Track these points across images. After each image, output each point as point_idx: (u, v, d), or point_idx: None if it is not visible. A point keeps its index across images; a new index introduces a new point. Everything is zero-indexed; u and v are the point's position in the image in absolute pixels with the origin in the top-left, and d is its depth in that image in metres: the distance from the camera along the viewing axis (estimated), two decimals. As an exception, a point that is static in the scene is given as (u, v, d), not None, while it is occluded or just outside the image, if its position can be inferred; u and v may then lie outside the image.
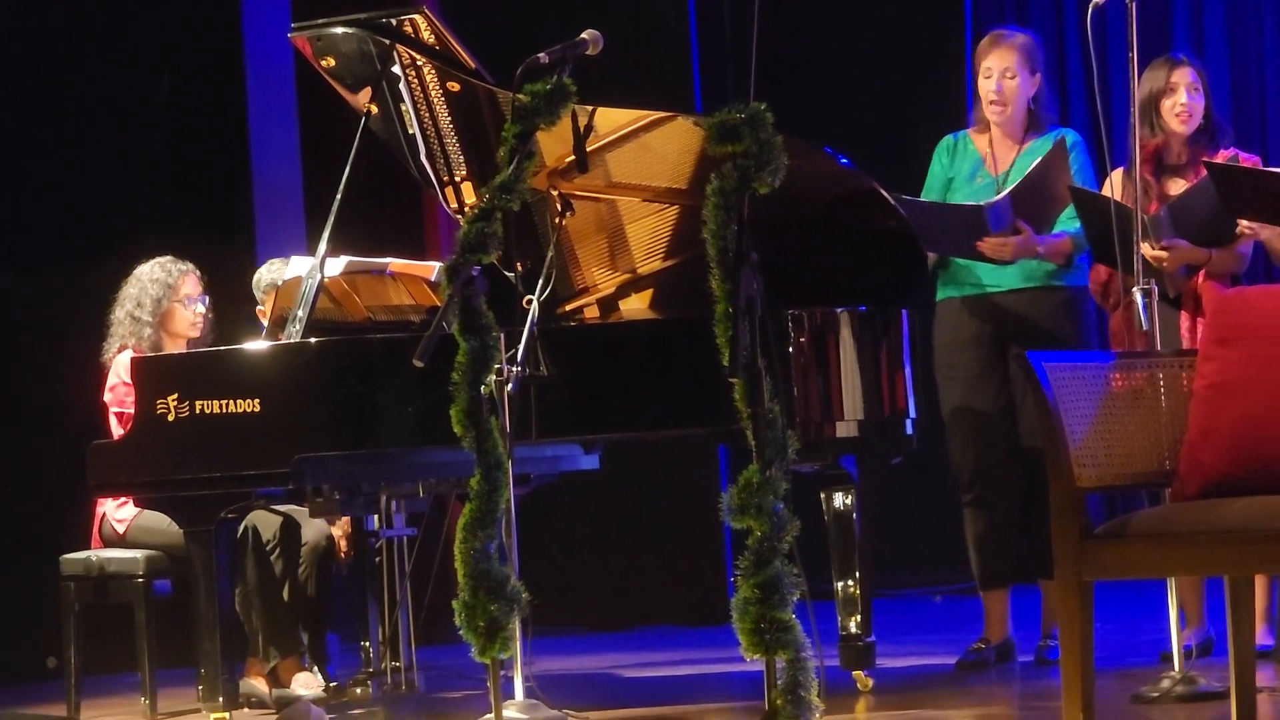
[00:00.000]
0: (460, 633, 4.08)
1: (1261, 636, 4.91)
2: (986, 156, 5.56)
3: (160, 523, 5.33)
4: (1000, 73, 5.44)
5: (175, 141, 7.55)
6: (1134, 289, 4.64)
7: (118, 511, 5.54)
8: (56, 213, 7.41)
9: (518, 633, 4.25)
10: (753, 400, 3.68)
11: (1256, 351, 3.45)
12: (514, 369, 4.34)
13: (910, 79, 7.97)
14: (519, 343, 4.42)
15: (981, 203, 5.35)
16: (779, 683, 3.59)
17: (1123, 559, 3.46)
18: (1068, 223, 5.35)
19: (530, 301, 4.60)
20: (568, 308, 5.44)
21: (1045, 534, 3.75)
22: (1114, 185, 5.02)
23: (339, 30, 5.19)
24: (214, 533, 5.11)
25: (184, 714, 5.28)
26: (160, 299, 5.61)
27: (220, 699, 4.95)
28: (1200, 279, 5.12)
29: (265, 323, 5.80)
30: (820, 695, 3.66)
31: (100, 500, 5.55)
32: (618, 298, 5.51)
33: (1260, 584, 4.94)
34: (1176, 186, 5.16)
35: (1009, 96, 5.48)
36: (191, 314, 5.65)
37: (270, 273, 6.03)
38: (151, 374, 5.09)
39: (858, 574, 5.03)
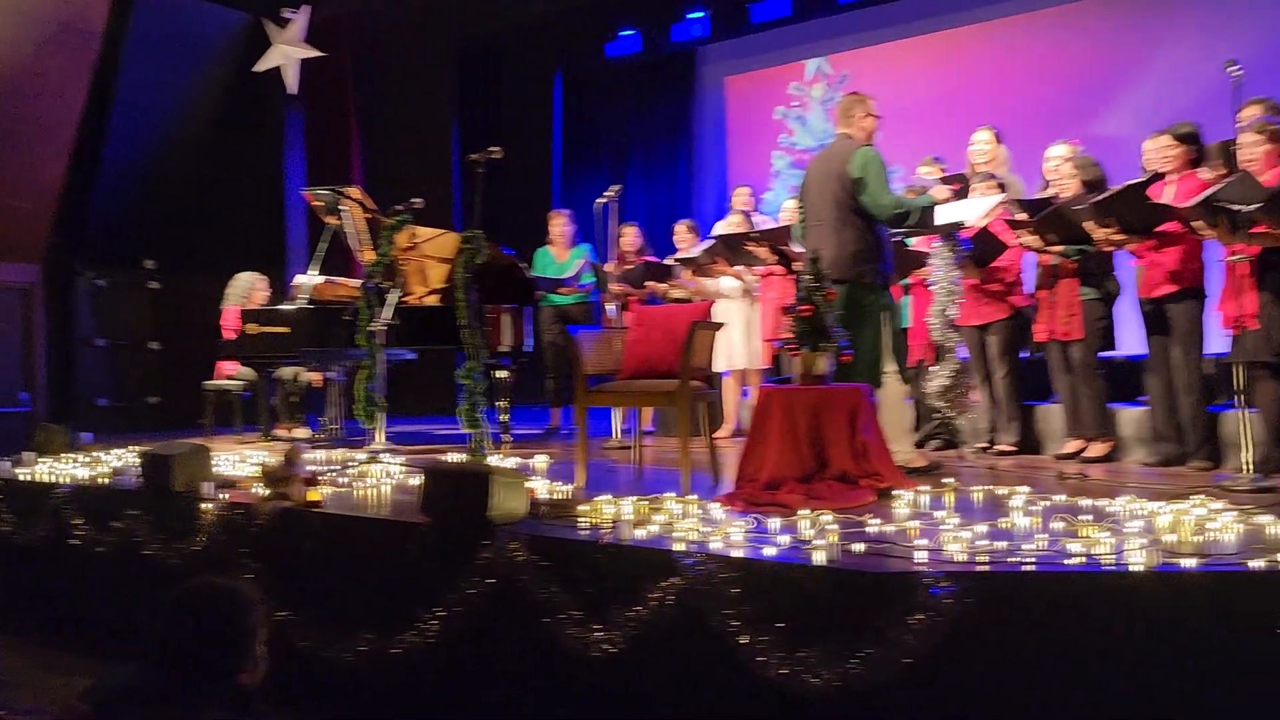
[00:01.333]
0: (358, 418, 5.79)
1: (648, 426, 7.03)
2: (556, 257, 7.56)
3: (247, 372, 7.31)
4: (565, 223, 7.55)
5: (260, 217, 9.47)
6: (609, 303, 6.78)
7: (226, 366, 7.50)
8: (203, 241, 9.20)
9: (382, 417, 5.84)
10: (471, 338, 5.16)
11: (646, 328, 4.88)
12: (384, 322, 5.83)
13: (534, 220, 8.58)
14: (386, 311, 5.84)
15: (565, 275, 7.29)
16: (474, 439, 5.07)
17: (600, 399, 4.80)
18: (587, 277, 7.37)
19: (390, 292, 5.96)
20: (406, 299, 6.31)
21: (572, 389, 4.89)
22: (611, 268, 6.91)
23: (323, 190, 6.54)
24: (268, 375, 7.18)
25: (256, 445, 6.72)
26: (250, 286, 7.57)
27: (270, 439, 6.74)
28: (635, 302, 6.88)
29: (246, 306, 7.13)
30: (490, 446, 5.27)
31: (220, 363, 7.60)
32: (425, 297, 6.49)
33: (647, 411, 6.92)
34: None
35: (567, 236, 7.57)
36: (261, 294, 7.55)
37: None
38: (243, 316, 6.75)
39: (508, 400, 6.66)
